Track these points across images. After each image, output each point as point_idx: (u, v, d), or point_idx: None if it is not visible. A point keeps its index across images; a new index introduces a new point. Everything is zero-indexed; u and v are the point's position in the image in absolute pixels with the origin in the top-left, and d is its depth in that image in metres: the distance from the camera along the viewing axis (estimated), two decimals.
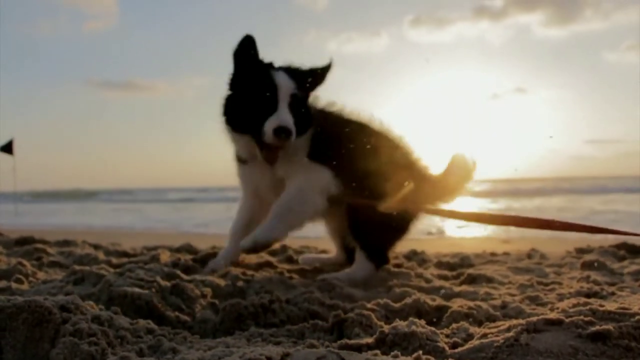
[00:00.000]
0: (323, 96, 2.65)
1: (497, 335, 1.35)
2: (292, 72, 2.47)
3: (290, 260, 3.34)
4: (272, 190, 2.61)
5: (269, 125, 2.32)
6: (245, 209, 2.83)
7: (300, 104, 2.44)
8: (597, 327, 1.32)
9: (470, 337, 1.43)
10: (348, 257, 2.90)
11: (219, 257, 2.79)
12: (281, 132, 2.30)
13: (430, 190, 2.70)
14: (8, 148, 12.77)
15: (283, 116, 2.33)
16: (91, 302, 1.65)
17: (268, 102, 2.36)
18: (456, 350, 1.33)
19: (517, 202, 14.87)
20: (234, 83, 2.52)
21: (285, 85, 2.38)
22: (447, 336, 1.46)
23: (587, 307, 1.51)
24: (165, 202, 21.30)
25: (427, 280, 2.45)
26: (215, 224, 9.56)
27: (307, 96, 2.53)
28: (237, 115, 2.49)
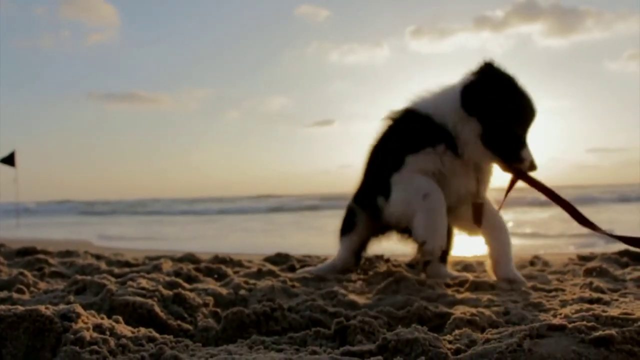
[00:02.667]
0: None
1: (500, 341, 1.35)
2: None
3: (292, 269, 3.33)
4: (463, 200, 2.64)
5: (527, 155, 2.46)
6: None
7: None
8: (600, 332, 1.31)
9: (473, 343, 1.43)
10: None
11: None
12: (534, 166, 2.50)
13: None
14: (10, 160, 12.81)
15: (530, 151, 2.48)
16: (92, 312, 1.65)
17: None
18: (459, 357, 1.32)
19: (522, 211, 14.82)
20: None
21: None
22: (449, 342, 1.45)
23: (590, 313, 1.50)
24: (170, 215, 21.25)
25: (430, 288, 2.44)
26: (217, 237, 9.56)
27: None
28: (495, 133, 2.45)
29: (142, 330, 1.63)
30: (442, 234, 2.37)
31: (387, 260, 3.50)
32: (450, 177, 2.51)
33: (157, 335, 1.62)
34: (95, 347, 1.38)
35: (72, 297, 2.07)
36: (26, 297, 2.22)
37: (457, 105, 2.44)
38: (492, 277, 2.63)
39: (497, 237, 2.61)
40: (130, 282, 2.19)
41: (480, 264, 3.45)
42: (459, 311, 1.84)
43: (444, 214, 2.42)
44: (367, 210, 2.89)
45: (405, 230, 2.80)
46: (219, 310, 2.05)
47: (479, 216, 2.57)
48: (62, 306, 1.57)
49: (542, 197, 2.52)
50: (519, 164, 2.45)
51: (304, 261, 3.56)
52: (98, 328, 1.50)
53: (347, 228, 3.01)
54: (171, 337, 1.65)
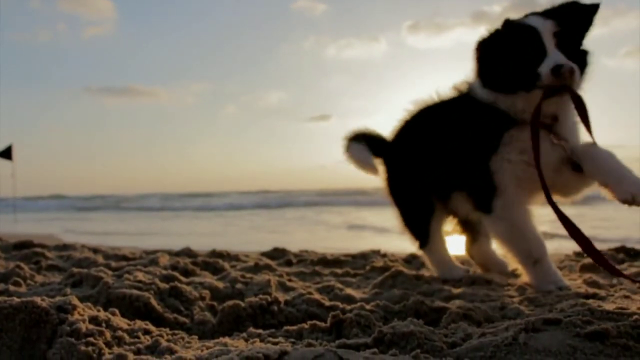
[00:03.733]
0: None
1: (495, 335, 1.35)
2: (547, 13, 2.19)
3: (289, 263, 3.34)
4: (555, 170, 2.24)
5: (544, 68, 2.06)
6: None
7: (568, 41, 2.15)
8: (595, 327, 1.31)
9: (468, 336, 1.43)
10: None
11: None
12: (558, 69, 2.04)
13: None
14: (7, 154, 12.76)
15: (555, 56, 2.07)
16: (89, 304, 1.65)
17: (533, 52, 2.12)
18: (454, 350, 1.33)
19: None
20: (490, 44, 2.23)
21: (544, 27, 2.12)
22: (445, 336, 1.45)
23: (585, 307, 1.50)
24: (167, 211, 21.17)
25: (426, 283, 2.45)
26: (213, 233, 9.55)
27: (576, 33, 2.20)
28: (501, 75, 2.21)
29: (138, 322, 1.63)
30: (561, 279, 2.24)
31: (384, 255, 3.51)
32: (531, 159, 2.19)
33: (153, 327, 1.62)
34: (91, 338, 1.38)
35: (68, 290, 2.07)
36: (23, 289, 2.22)
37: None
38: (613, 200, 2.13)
39: (602, 157, 2.18)
40: (126, 275, 2.19)
41: None
42: (455, 305, 1.85)
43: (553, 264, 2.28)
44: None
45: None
46: (215, 303, 2.05)
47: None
48: (58, 298, 1.57)
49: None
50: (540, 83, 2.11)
51: (301, 256, 3.56)
52: (94, 320, 1.50)
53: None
54: (167, 329, 1.65)
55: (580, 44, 2.22)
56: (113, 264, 3.00)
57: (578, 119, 2.21)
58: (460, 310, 1.74)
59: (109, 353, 1.35)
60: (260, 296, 1.92)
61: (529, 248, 2.26)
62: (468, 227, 2.79)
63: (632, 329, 1.31)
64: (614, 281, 2.43)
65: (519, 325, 1.35)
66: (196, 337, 1.62)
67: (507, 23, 2.22)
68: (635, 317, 1.35)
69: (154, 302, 1.90)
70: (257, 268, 2.90)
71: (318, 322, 1.63)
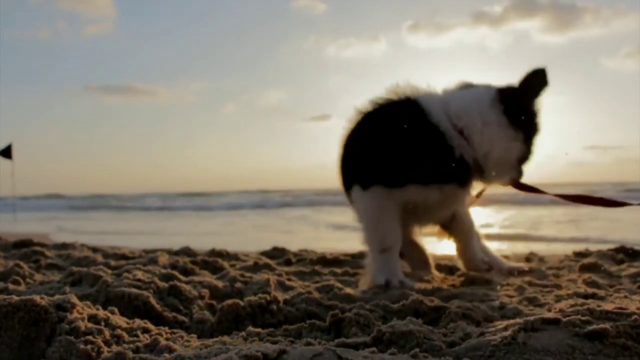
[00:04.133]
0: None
1: (494, 334, 1.35)
2: None
3: (288, 263, 3.34)
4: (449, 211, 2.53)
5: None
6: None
7: None
8: (594, 326, 1.31)
9: (467, 336, 1.43)
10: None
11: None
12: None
13: None
14: (7, 152, 12.74)
15: None
16: (88, 302, 1.65)
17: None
18: (453, 349, 1.33)
19: (517, 211, 14.84)
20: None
21: None
22: (444, 335, 1.45)
23: (585, 307, 1.50)
24: (170, 210, 21.11)
25: (426, 282, 2.45)
26: (212, 232, 9.55)
27: None
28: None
29: (137, 321, 1.63)
30: (400, 273, 2.30)
31: None
32: (438, 205, 2.35)
33: (152, 326, 1.62)
34: (90, 337, 1.38)
35: (67, 288, 2.07)
36: (22, 288, 2.22)
37: (494, 113, 2.23)
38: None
39: (463, 235, 2.66)
40: (126, 274, 2.19)
41: None
42: (454, 305, 1.84)
43: (397, 257, 2.35)
44: None
45: None
46: (214, 302, 2.05)
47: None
48: (57, 296, 1.57)
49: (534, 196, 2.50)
50: (521, 177, 2.41)
51: (301, 255, 3.56)
52: (93, 318, 1.50)
53: None
54: (166, 328, 1.65)
55: None
56: (112, 262, 3.00)
57: None
58: (460, 310, 1.74)
59: (108, 351, 1.35)
60: (260, 295, 1.92)
61: (383, 235, 2.30)
62: (452, 230, 2.76)
63: (631, 328, 1.31)
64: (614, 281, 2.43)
65: (518, 325, 1.35)
66: (195, 335, 1.63)
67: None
68: (634, 317, 1.36)
69: (153, 300, 1.90)
70: (256, 267, 2.90)
71: (317, 321, 1.63)
